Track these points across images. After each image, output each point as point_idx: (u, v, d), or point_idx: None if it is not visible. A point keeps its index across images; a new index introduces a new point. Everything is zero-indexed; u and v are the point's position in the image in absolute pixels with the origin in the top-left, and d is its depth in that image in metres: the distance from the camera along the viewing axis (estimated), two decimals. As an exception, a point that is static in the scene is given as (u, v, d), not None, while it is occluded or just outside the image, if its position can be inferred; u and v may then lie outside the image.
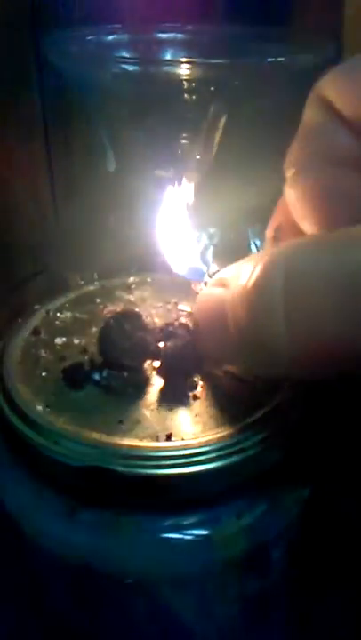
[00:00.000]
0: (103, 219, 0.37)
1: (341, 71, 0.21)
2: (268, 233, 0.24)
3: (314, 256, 0.17)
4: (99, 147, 0.36)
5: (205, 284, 0.22)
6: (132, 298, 0.27)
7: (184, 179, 0.33)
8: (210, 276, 0.22)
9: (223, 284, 0.20)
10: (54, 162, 0.53)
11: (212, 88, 0.28)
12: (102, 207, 0.37)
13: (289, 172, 0.21)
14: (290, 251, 0.17)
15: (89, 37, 0.35)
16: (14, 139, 0.48)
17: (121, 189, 0.36)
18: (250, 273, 0.18)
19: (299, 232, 0.21)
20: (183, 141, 0.31)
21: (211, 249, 0.35)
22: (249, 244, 0.35)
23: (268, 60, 0.28)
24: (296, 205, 0.21)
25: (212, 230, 0.35)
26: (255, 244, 0.36)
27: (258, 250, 0.36)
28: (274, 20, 0.38)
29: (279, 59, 0.29)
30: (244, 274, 0.18)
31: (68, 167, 0.50)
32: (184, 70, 0.28)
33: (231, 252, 0.35)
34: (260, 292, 0.18)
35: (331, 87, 0.21)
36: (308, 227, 0.21)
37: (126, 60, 0.31)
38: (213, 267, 0.22)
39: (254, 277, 0.18)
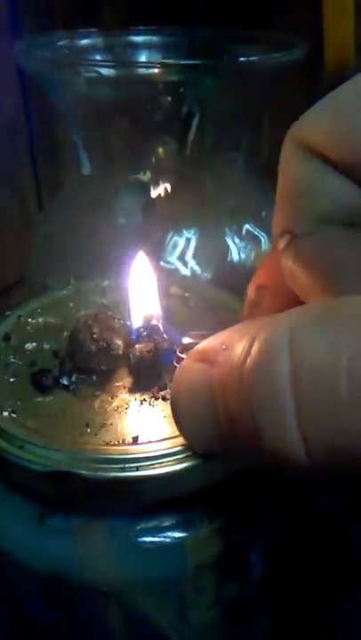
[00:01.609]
0: (85, 222, 0.37)
1: (323, 110, 0.17)
2: (250, 292, 0.21)
3: (331, 340, 0.13)
4: (75, 150, 0.36)
5: (178, 358, 0.19)
6: (105, 302, 0.27)
7: (160, 181, 0.33)
8: (182, 349, 0.19)
9: (207, 358, 0.16)
10: (39, 166, 0.53)
11: (181, 89, 0.28)
12: (84, 211, 0.37)
13: (283, 241, 0.18)
14: (297, 327, 0.14)
15: (61, 42, 0.35)
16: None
17: (101, 193, 0.36)
18: (243, 350, 0.15)
19: (285, 295, 0.18)
20: (157, 142, 0.31)
21: (189, 251, 0.35)
22: (226, 243, 0.35)
23: (240, 60, 0.28)
24: (297, 277, 0.17)
25: (189, 231, 0.35)
26: (233, 242, 0.36)
27: (236, 248, 0.36)
28: (248, 21, 0.38)
29: (251, 59, 0.29)
30: (234, 350, 0.15)
31: (53, 171, 0.51)
32: (156, 72, 0.28)
33: (209, 251, 0.35)
34: (260, 379, 0.14)
35: (315, 132, 0.17)
36: (314, 299, 0.17)
37: (99, 63, 0.31)
38: (186, 338, 0.19)
39: (252, 359, 0.14)
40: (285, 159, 0.18)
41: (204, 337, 0.18)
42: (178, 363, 0.20)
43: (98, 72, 0.27)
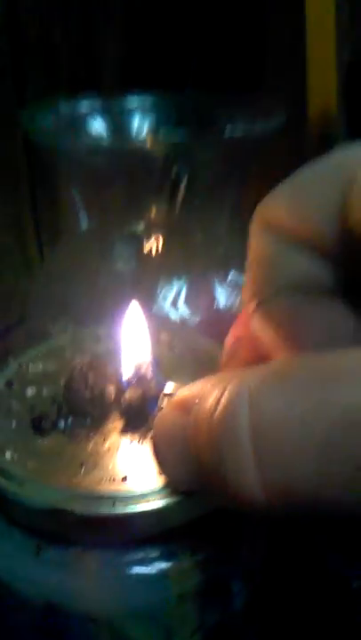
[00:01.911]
0: (81, 272, 0.40)
1: (286, 189, 0.19)
2: (227, 343, 0.23)
3: (284, 396, 0.15)
4: (74, 205, 0.39)
5: (162, 404, 0.21)
6: (100, 349, 0.29)
7: (152, 235, 0.36)
8: (166, 396, 0.21)
9: (183, 407, 0.18)
10: (40, 214, 0.56)
11: (170, 157, 0.31)
12: (82, 259, 0.40)
13: (251, 305, 0.20)
14: (255, 385, 0.15)
15: (63, 107, 0.38)
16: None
17: (97, 245, 0.39)
18: (214, 402, 0.16)
19: (257, 347, 0.20)
20: (149, 202, 0.34)
21: (180, 298, 0.38)
22: (214, 290, 0.38)
23: (224, 132, 0.31)
24: (263, 337, 0.19)
25: (179, 279, 0.37)
26: (221, 289, 0.38)
27: (223, 294, 0.38)
28: (236, 87, 0.42)
29: (236, 135, 0.32)
30: (206, 402, 0.17)
31: (53, 215, 0.54)
32: (148, 143, 0.31)
33: (198, 297, 0.38)
34: (224, 430, 0.16)
35: (276, 211, 0.19)
36: (277, 357, 0.19)
37: (98, 137, 0.34)
38: (170, 385, 0.22)
39: (219, 411, 0.16)
40: (253, 233, 0.20)
41: (185, 385, 0.20)
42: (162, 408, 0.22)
43: (96, 143, 0.30)
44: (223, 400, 0.16)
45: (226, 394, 0.16)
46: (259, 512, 0.16)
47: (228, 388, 0.16)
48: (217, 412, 0.16)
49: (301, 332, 0.19)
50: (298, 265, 0.19)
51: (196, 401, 0.17)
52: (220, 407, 0.16)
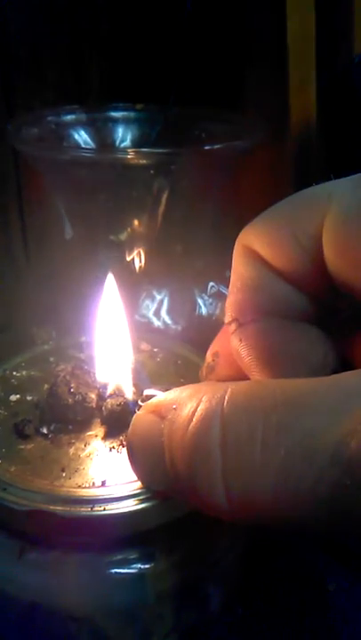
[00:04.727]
0: (67, 277, 0.40)
1: (263, 223, 0.20)
2: (208, 357, 0.24)
3: (249, 419, 0.16)
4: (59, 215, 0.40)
5: (139, 407, 0.22)
6: (82, 357, 0.30)
7: (134, 246, 0.37)
8: (144, 400, 0.22)
9: (159, 412, 0.19)
10: (27, 220, 0.56)
11: (151, 171, 0.32)
12: (67, 267, 0.41)
13: (231, 326, 0.21)
14: (227, 404, 0.17)
15: (49, 118, 0.39)
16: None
17: (80, 255, 0.40)
18: (189, 413, 0.17)
19: (235, 362, 0.21)
20: (132, 214, 0.35)
21: (162, 307, 0.39)
22: (194, 300, 0.39)
23: (203, 148, 0.32)
24: (241, 356, 0.21)
25: (161, 288, 0.38)
26: (202, 300, 0.39)
27: (203, 303, 0.39)
28: (218, 101, 0.43)
29: (216, 146, 0.33)
30: (182, 411, 0.18)
31: (40, 226, 0.54)
32: (130, 157, 0.32)
33: (179, 306, 0.39)
34: (197, 442, 0.17)
35: (257, 240, 0.20)
36: (253, 375, 0.20)
37: (81, 149, 0.35)
38: (149, 390, 0.23)
39: (193, 424, 0.17)
40: (235, 258, 0.21)
41: (163, 390, 0.21)
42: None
43: (79, 154, 0.31)
44: (198, 414, 0.17)
45: (201, 408, 0.17)
46: (224, 519, 0.17)
47: (204, 400, 0.17)
48: (192, 425, 0.17)
49: (275, 356, 0.20)
50: (276, 291, 0.21)
51: (173, 406, 0.18)
52: (194, 421, 0.17)
